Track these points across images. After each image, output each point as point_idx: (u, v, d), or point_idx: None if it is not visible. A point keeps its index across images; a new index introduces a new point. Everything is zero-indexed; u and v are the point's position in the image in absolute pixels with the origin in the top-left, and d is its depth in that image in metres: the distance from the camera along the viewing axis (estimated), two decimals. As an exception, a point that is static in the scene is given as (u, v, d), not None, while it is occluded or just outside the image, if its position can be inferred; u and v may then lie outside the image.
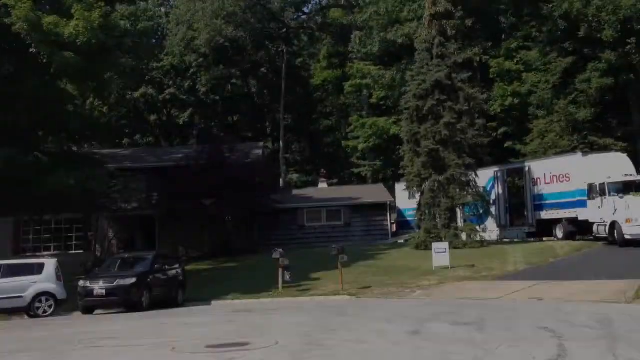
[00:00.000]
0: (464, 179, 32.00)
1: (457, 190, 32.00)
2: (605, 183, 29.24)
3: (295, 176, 65.25)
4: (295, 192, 44.51)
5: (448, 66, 32.82)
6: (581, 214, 31.13)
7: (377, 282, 23.29)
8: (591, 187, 30.22)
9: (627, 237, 27.47)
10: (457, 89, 32.96)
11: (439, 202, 32.09)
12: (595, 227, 29.99)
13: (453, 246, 30.03)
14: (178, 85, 59.90)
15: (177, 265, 23.72)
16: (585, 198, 30.77)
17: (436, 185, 32.09)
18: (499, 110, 44.56)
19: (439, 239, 30.95)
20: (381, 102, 52.53)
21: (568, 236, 32.15)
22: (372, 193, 41.73)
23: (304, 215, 39.90)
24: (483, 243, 31.66)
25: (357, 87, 53.55)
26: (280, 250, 22.71)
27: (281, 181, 59.59)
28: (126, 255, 25.14)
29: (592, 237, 31.05)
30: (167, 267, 22.77)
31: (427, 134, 32.32)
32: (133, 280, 20.19)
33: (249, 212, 36.95)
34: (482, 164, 39.34)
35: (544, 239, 34.04)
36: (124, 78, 44.57)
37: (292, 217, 39.81)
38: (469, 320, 13.19)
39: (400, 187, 40.97)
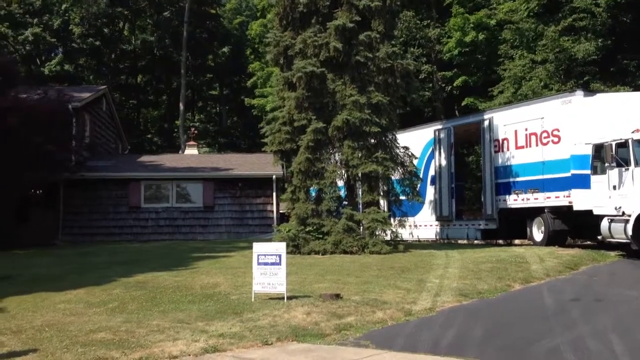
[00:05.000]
0: (368, 129, 17.45)
1: (356, 150, 17.60)
2: (630, 141, 15.25)
3: (204, 150, 50.69)
4: (144, 158, 29.70)
5: None
6: (579, 200, 17.36)
7: (65, 339, 9.06)
8: (600, 150, 16.26)
9: (674, 244, 13.51)
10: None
11: (322, 169, 17.71)
12: (605, 225, 16.08)
13: (342, 249, 16.11)
14: (45, 24, 44.91)
15: None
16: (588, 171, 16.82)
17: (319, 138, 17.64)
18: (456, 52, 30.16)
19: (320, 235, 16.87)
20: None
21: (553, 238, 18.40)
22: (255, 163, 27.16)
23: (140, 190, 25.29)
24: (397, 246, 17.39)
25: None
26: None
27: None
28: None
29: (596, 242, 17.79)
30: None
31: (307, 48, 17.91)
32: None
33: (37, 181, 22.87)
34: (414, 119, 25.02)
35: (515, 241, 21.08)
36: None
37: (121, 193, 25.27)
38: None
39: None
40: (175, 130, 53.65)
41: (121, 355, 7.91)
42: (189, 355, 8.05)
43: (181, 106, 46.43)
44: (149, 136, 55.35)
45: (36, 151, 21.72)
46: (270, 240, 16.83)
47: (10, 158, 20.90)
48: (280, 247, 11.32)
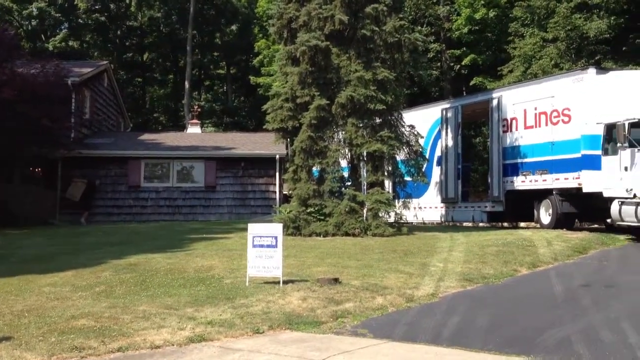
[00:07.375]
0: (373, 106, 16.89)
1: (360, 128, 17.08)
2: (643, 121, 14.70)
3: (210, 130, 50.13)
4: (145, 136, 29.21)
5: None
6: (589, 182, 16.80)
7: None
8: (612, 130, 15.72)
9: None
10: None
11: (325, 147, 17.19)
12: (615, 207, 15.59)
13: (344, 231, 15.67)
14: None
15: None
16: (599, 152, 16.32)
17: (322, 116, 17.09)
18: (465, 30, 29.44)
19: (321, 216, 16.42)
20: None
21: (561, 221, 17.79)
22: (258, 143, 26.65)
23: (139, 169, 24.87)
24: (400, 228, 16.90)
25: None
26: None
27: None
28: None
29: (605, 225, 17.41)
30: None
31: (311, 20, 17.33)
32: None
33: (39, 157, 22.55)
34: (421, 98, 24.42)
35: (520, 224, 20.38)
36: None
37: (120, 171, 24.84)
38: None
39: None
40: (181, 109, 53.09)
41: (99, 345, 7.43)
42: (173, 345, 7.57)
43: (187, 85, 45.83)
44: (155, 115, 54.82)
45: (33, 126, 21.22)
46: (270, 221, 16.34)
47: (6, 133, 20.43)
48: (276, 229, 10.79)
